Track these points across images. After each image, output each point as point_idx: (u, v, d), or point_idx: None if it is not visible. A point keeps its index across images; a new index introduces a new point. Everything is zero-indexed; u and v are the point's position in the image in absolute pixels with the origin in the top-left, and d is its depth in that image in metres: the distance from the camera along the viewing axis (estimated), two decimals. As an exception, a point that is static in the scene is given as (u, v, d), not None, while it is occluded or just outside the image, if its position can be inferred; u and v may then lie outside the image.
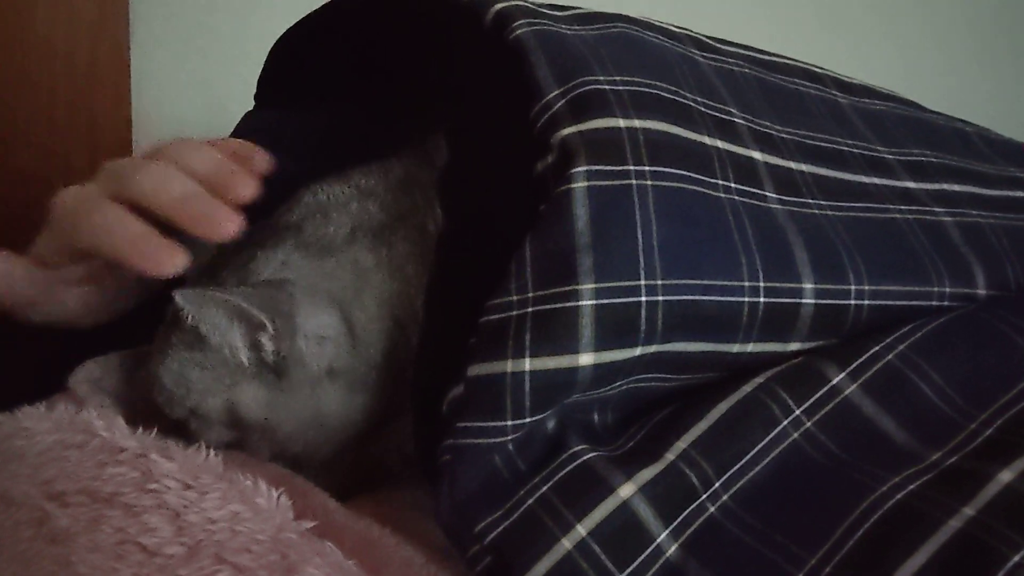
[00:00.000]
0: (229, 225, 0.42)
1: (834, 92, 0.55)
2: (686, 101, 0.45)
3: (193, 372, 0.45)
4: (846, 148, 0.50)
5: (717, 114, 0.46)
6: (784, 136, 0.48)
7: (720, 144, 0.44)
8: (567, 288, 0.38)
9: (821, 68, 0.58)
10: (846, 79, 0.58)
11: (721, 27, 0.59)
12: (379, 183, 0.51)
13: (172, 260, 0.41)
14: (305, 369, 0.45)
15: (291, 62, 0.59)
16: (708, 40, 0.53)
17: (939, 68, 1.27)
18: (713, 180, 0.42)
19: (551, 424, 0.40)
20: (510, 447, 0.39)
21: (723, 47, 0.53)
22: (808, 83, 0.55)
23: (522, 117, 0.43)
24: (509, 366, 0.38)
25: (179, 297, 0.43)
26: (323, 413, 0.46)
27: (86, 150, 0.79)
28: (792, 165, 0.46)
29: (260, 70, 0.61)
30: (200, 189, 0.43)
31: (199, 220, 0.42)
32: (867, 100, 0.56)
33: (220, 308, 0.43)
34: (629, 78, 0.43)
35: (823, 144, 0.49)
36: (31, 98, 0.76)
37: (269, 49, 0.59)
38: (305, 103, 0.61)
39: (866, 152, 0.50)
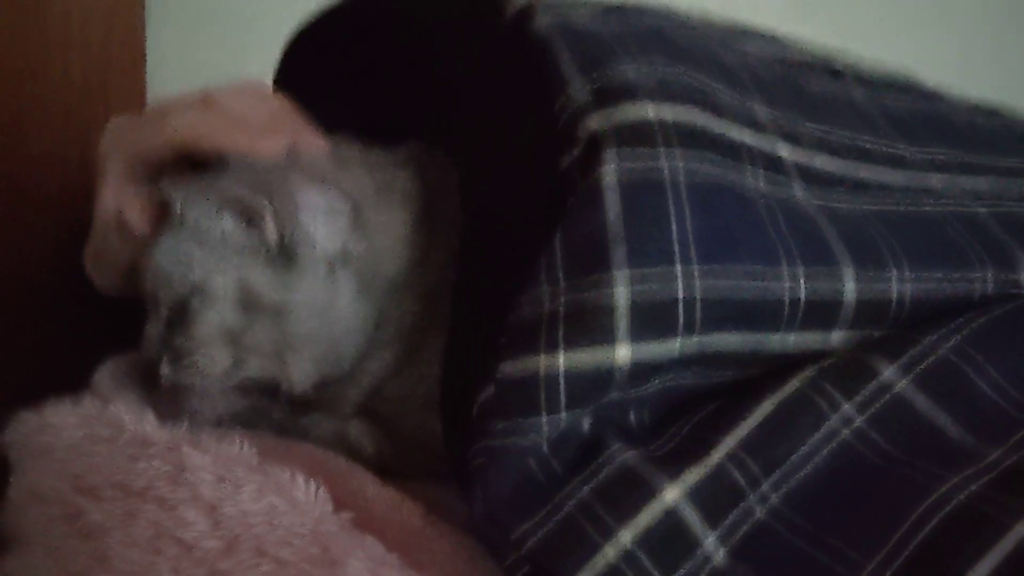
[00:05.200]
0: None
1: (856, 91, 0.54)
2: (714, 93, 0.44)
3: (193, 249, 0.45)
4: (870, 146, 0.49)
5: (744, 110, 0.45)
6: (809, 134, 0.47)
7: (748, 139, 0.43)
8: (601, 277, 0.37)
9: (844, 63, 0.56)
10: (867, 73, 0.57)
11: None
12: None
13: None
14: (314, 249, 0.45)
15: (307, 55, 0.58)
16: (734, 33, 0.52)
17: (990, 53, 1.26)
18: (742, 173, 0.41)
19: (587, 424, 0.39)
20: (544, 448, 0.37)
21: (749, 44, 0.52)
22: (831, 81, 0.54)
23: (545, 112, 0.42)
24: (542, 360, 0.37)
25: (170, 189, 0.46)
26: (335, 305, 0.46)
27: (101, 133, 0.78)
28: (818, 162, 0.46)
29: (275, 55, 0.59)
30: None
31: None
32: (888, 96, 0.55)
33: (210, 196, 0.45)
34: (657, 68, 0.42)
35: (847, 142, 0.48)
36: (46, 81, 0.75)
37: (284, 35, 0.58)
38: (323, 94, 0.60)
39: (890, 150, 0.50)
